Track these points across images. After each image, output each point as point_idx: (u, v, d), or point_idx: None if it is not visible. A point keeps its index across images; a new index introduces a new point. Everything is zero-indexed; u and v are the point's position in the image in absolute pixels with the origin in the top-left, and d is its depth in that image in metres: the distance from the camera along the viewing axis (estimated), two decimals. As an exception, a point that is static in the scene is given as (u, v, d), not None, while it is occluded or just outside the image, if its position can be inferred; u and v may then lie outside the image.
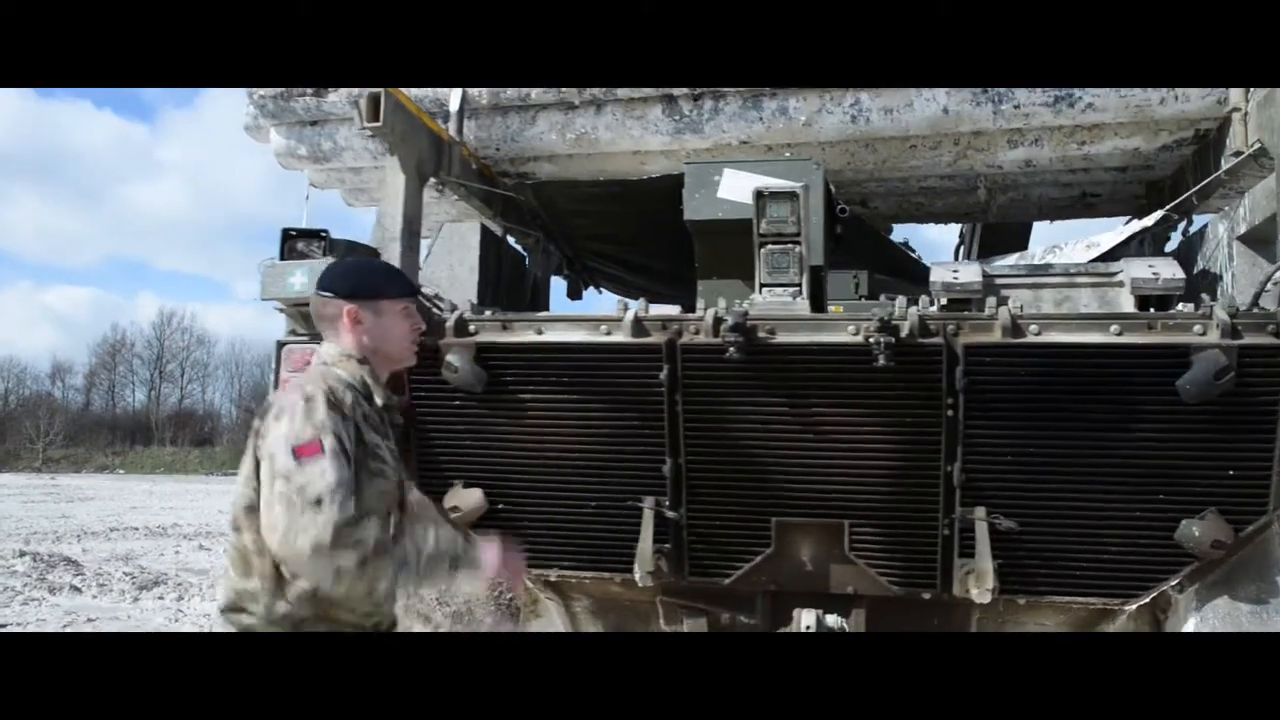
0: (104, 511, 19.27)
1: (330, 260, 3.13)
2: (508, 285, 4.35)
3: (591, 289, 5.71)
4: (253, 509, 1.97)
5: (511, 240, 4.65)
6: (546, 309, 4.90)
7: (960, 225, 5.85)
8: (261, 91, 4.17)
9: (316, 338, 3.25)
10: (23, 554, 11.24)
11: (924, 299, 3.07)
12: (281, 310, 3.29)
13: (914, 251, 5.05)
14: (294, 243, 3.31)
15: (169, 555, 12.49)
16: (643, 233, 4.53)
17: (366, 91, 3.34)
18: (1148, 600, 2.94)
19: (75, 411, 50.42)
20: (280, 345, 3.31)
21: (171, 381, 54.70)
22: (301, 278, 3.10)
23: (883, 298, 3.59)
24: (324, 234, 3.34)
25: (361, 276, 2.25)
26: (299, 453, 1.89)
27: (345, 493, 1.88)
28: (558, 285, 5.31)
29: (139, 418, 51.78)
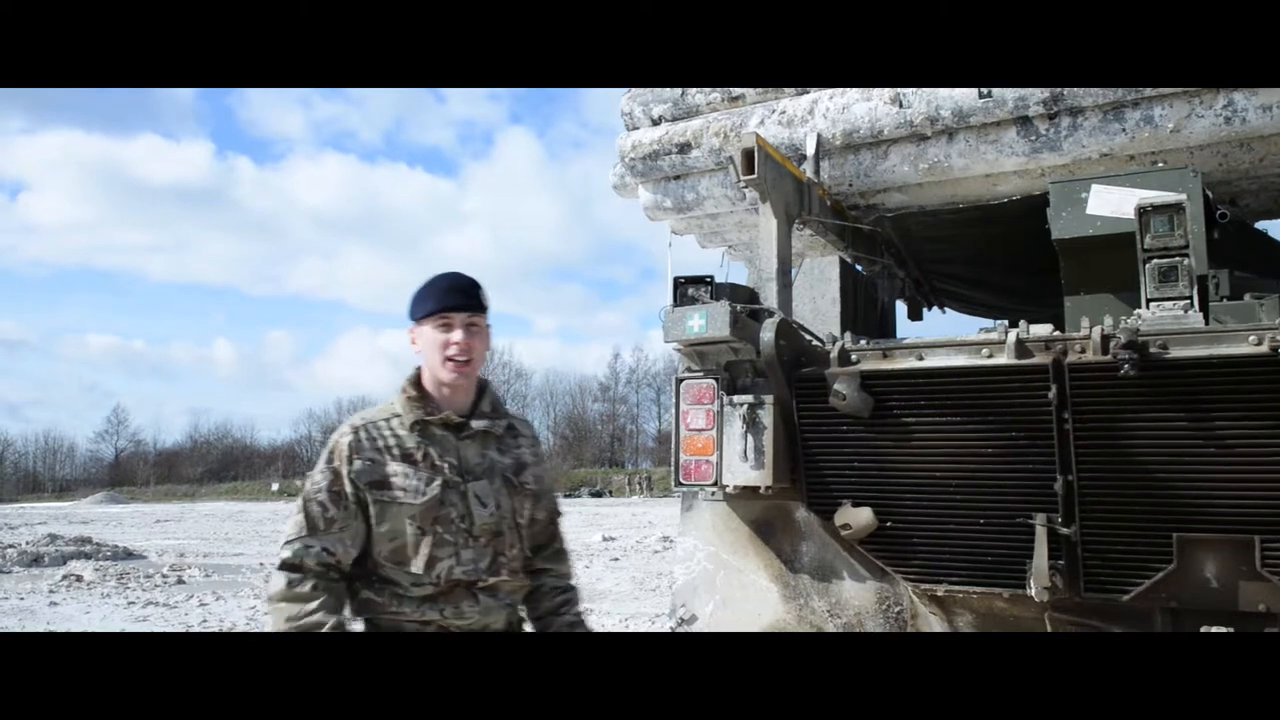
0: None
1: (720, 304, 3.49)
2: (862, 311, 4.57)
3: (928, 309, 5.82)
4: None
5: (858, 268, 4.87)
6: (894, 331, 5.07)
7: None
8: (632, 154, 4.68)
9: (710, 374, 3.66)
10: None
11: None
12: (679, 350, 3.67)
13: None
14: (685, 289, 3.70)
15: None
16: (996, 252, 4.58)
17: (740, 149, 3.70)
18: None
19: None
20: (679, 381, 3.70)
21: (496, 413, 59.62)
22: (699, 320, 3.47)
23: (1247, 297, 3.42)
24: (709, 279, 3.71)
25: (411, 300, 2.25)
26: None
27: (301, 543, 2.08)
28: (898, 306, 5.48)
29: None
